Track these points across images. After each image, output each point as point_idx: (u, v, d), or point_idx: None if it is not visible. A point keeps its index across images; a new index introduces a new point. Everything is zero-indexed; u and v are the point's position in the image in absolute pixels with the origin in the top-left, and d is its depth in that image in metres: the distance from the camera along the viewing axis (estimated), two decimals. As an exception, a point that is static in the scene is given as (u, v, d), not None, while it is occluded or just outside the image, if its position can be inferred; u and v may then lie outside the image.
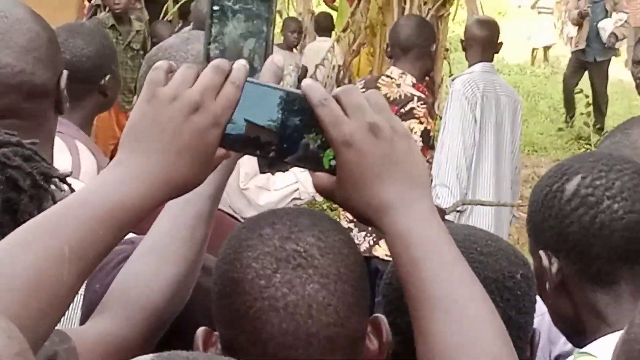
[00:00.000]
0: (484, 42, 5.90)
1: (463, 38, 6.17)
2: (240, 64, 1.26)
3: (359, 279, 1.31)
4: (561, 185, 1.80)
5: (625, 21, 13.68)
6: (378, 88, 4.95)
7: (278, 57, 1.33)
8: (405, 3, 8.94)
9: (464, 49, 6.15)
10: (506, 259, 1.58)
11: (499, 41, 6.00)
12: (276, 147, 1.27)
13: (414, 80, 5.12)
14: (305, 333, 1.27)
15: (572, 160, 1.91)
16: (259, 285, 1.27)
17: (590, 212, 1.75)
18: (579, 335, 1.82)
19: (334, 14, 11.81)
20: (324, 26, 10.76)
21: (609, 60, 13.57)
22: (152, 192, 1.22)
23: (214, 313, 1.35)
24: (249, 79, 1.27)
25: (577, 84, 13.40)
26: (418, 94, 5.04)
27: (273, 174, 4.04)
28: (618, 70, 15.58)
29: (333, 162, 1.27)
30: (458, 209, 5.64)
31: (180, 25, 10.46)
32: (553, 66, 18.70)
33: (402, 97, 4.97)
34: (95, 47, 3.22)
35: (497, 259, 1.56)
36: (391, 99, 4.94)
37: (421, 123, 4.89)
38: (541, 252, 1.81)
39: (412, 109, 4.91)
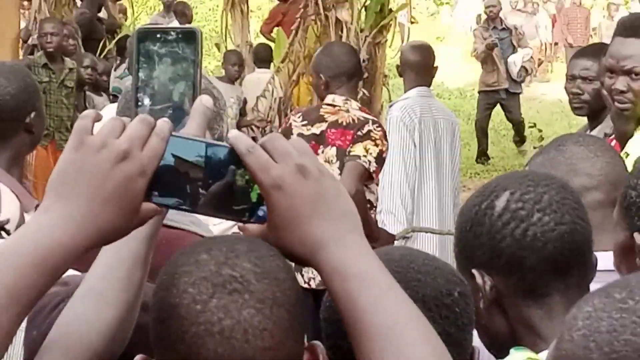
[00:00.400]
0: (419, 66, 5.92)
1: (398, 64, 6.18)
2: (164, 120, 1.28)
3: (294, 304, 1.32)
4: (490, 203, 1.80)
5: (531, 56, 14.37)
6: (323, 117, 4.93)
7: (206, 97, 1.34)
8: (342, 31, 9.01)
9: (400, 75, 6.16)
10: (443, 277, 1.60)
11: (434, 65, 6.01)
12: (204, 196, 1.29)
13: (359, 105, 5.10)
14: (241, 357, 1.28)
15: (497, 179, 1.93)
16: (195, 310, 1.28)
17: (521, 225, 1.77)
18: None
19: (272, 45, 11.85)
20: (262, 57, 10.75)
21: (520, 92, 13.90)
22: (82, 237, 1.24)
23: (151, 339, 1.35)
24: (174, 133, 1.28)
25: (489, 120, 13.61)
26: (371, 117, 5.02)
27: None
28: (557, 91, 15.74)
29: (260, 213, 1.30)
30: (406, 235, 5.66)
31: (118, 62, 10.43)
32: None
33: (356, 120, 4.92)
34: (18, 84, 3.18)
35: (435, 277, 1.57)
36: (344, 124, 4.89)
37: (376, 145, 4.85)
38: (474, 271, 1.81)
39: (369, 131, 4.87)
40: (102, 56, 10.26)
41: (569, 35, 20.83)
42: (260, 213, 1.31)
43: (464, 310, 1.59)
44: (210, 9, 26.48)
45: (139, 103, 1.34)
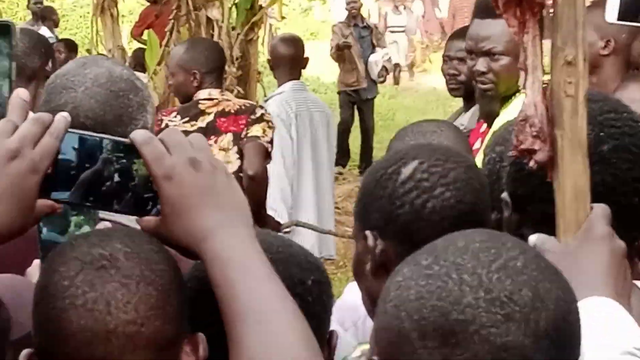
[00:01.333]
0: (290, 59, 5.92)
1: (269, 58, 6.17)
2: (61, 116, 1.32)
3: (169, 288, 1.35)
4: (397, 168, 1.80)
5: (390, 57, 14.06)
6: (204, 111, 4.93)
7: (23, 90, 1.35)
8: (213, 30, 8.95)
9: (271, 69, 6.15)
10: (297, 265, 1.59)
11: (305, 57, 6.02)
12: (103, 192, 1.33)
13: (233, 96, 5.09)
14: (104, 330, 1.30)
15: (411, 147, 1.96)
16: (62, 286, 1.31)
17: (423, 195, 1.77)
18: None
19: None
20: (142, 62, 10.70)
21: (374, 96, 13.17)
22: None
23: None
24: (72, 129, 1.31)
25: (353, 119, 12.82)
26: (255, 103, 5.02)
27: None
28: (431, 79, 15.99)
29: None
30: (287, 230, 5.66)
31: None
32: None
33: (244, 106, 4.93)
34: None
35: (287, 265, 1.56)
36: (232, 111, 4.89)
37: (270, 128, 4.87)
38: (367, 232, 1.81)
39: (262, 114, 4.89)
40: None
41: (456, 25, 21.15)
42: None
43: (318, 298, 1.60)
44: (81, 16, 26.12)
45: None
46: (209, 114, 4.90)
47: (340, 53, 12.27)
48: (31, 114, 1.31)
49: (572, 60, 1.38)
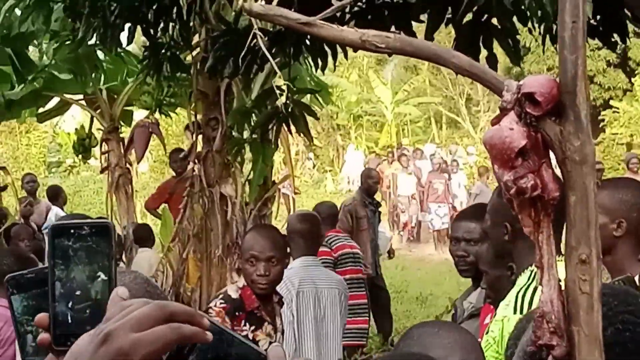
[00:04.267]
0: (306, 234, 5.96)
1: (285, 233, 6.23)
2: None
3: None
4: None
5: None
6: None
7: (122, 289, 1.34)
8: (227, 206, 9.08)
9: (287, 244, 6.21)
10: None
11: (321, 234, 6.08)
12: None
13: (244, 283, 5.02)
14: None
15: None
16: None
17: None
18: None
19: (159, 221, 11.90)
20: (142, 236, 10.82)
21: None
22: None
23: None
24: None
25: None
26: (231, 294, 4.92)
27: None
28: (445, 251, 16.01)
29: None
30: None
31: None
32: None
33: (215, 296, 4.97)
34: None
35: None
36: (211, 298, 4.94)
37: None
38: None
39: (208, 308, 4.87)
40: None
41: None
42: None
43: None
44: (95, 192, 26.46)
45: (56, 299, 1.35)
46: None
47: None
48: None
49: (585, 258, 1.42)
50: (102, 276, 1.36)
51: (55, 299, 1.35)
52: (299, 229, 6.04)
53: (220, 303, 4.84)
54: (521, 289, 3.48)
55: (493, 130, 1.40)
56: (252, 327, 4.89)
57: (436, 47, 1.43)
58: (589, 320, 1.45)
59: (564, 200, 1.43)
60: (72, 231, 1.36)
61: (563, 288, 1.46)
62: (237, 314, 4.85)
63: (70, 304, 1.35)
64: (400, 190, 22.95)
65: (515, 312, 3.34)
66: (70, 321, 1.35)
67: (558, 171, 1.45)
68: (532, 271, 3.44)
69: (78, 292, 1.35)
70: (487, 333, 3.46)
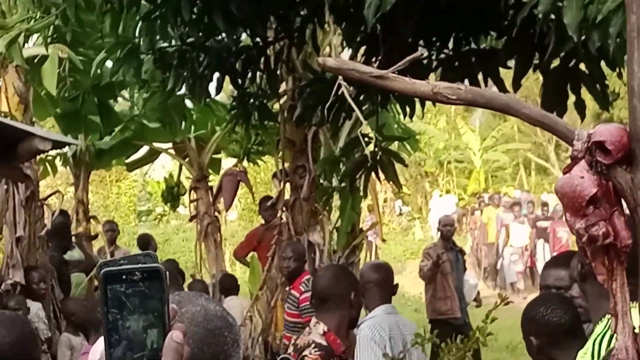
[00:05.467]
0: (381, 284, 5.96)
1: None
2: None
3: None
4: None
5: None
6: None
7: (177, 333, 1.37)
8: (314, 253, 9.11)
9: (362, 296, 6.21)
10: None
11: (394, 283, 6.08)
12: None
13: (325, 329, 5.05)
14: None
15: None
16: None
17: None
18: None
19: (247, 269, 11.98)
20: (227, 286, 10.93)
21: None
22: None
23: None
24: None
25: None
26: (320, 341, 4.96)
27: None
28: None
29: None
30: None
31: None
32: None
33: (305, 344, 4.93)
34: (16, 334, 3.28)
35: None
36: (298, 346, 4.92)
37: None
38: None
39: (304, 356, 4.85)
40: (77, 294, 10.27)
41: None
42: None
43: None
44: (184, 240, 26.73)
45: (112, 348, 1.35)
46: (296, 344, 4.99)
47: (433, 275, 11.16)
48: None
49: (660, 304, 1.43)
50: (156, 321, 1.37)
51: (111, 345, 1.36)
52: (374, 279, 6.04)
53: (315, 351, 4.86)
54: (598, 336, 3.46)
55: (564, 179, 1.42)
56: None
57: (507, 98, 1.45)
58: (664, 368, 1.45)
59: (637, 247, 1.44)
60: (124, 277, 1.36)
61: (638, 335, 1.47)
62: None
63: (126, 350, 1.36)
64: (513, 241, 22.12)
65: (593, 359, 3.31)
66: None
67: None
68: (608, 319, 3.41)
69: (133, 339, 1.36)
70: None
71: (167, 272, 1.40)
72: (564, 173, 1.44)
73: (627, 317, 1.46)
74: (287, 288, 8.96)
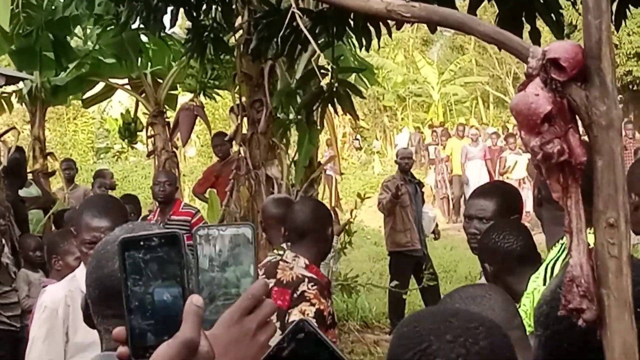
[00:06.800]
0: (281, 220, 5.79)
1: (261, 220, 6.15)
2: None
3: None
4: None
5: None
6: (275, 273, 4.88)
7: (197, 297, 1.36)
8: (273, 188, 9.11)
9: (264, 230, 6.13)
10: None
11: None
12: None
13: (307, 262, 4.99)
14: None
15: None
16: None
17: None
18: None
19: (200, 204, 11.98)
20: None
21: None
22: None
23: None
24: None
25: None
26: (309, 274, 4.92)
27: None
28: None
29: None
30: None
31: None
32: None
33: (294, 279, 4.86)
34: None
35: None
36: (284, 282, 4.84)
37: (312, 305, 4.75)
38: None
39: (303, 292, 4.78)
40: (36, 231, 10.21)
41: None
42: None
43: None
44: (143, 177, 26.64)
45: (131, 315, 1.36)
46: (274, 278, 4.86)
47: (392, 207, 11.16)
48: None
49: (613, 222, 1.43)
50: (176, 285, 1.37)
51: (130, 311, 1.36)
52: (274, 214, 5.98)
53: (312, 286, 4.85)
54: (551, 260, 3.50)
55: (519, 97, 1.41)
56: (330, 302, 4.92)
57: (462, 15, 1.44)
58: (618, 284, 1.46)
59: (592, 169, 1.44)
60: (141, 243, 1.37)
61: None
62: (325, 292, 4.87)
63: (146, 316, 1.36)
64: (514, 174, 21.90)
65: (545, 284, 3.35)
66: (147, 333, 1.37)
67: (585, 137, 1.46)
68: (562, 244, 3.45)
69: (153, 304, 1.36)
70: (519, 306, 3.47)
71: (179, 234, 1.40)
72: (519, 91, 1.43)
73: (582, 234, 1.46)
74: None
